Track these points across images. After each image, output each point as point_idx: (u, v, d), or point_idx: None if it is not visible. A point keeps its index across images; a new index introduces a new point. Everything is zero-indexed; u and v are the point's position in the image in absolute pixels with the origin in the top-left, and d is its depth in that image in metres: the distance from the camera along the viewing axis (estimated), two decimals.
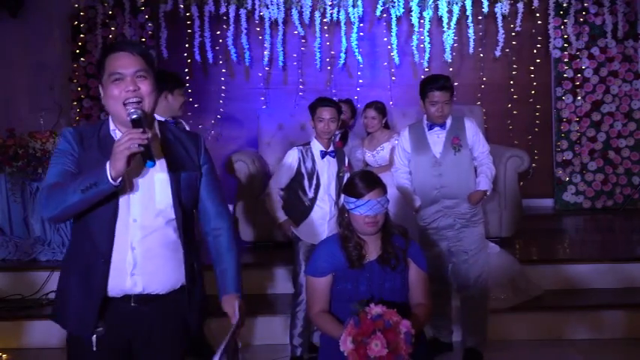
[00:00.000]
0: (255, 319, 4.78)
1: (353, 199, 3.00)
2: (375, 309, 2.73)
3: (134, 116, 2.22)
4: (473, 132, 4.18)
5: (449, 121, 4.18)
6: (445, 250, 4.26)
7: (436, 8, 7.34)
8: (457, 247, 4.20)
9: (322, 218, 4.16)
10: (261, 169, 6.08)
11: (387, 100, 6.89)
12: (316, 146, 4.19)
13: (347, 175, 4.12)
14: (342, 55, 7.46)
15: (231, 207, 5.88)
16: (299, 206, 4.19)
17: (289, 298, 4.30)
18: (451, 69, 7.35)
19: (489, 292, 4.38)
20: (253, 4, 7.33)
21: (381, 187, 3.03)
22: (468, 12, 7.31)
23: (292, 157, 4.18)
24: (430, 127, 4.19)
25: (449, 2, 7.32)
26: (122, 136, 2.17)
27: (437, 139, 4.18)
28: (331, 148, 4.19)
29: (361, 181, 3.02)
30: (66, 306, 2.39)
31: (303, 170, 4.14)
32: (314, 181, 4.15)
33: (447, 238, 4.22)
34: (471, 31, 7.33)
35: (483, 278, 4.23)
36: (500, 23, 7.34)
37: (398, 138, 5.54)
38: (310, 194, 4.16)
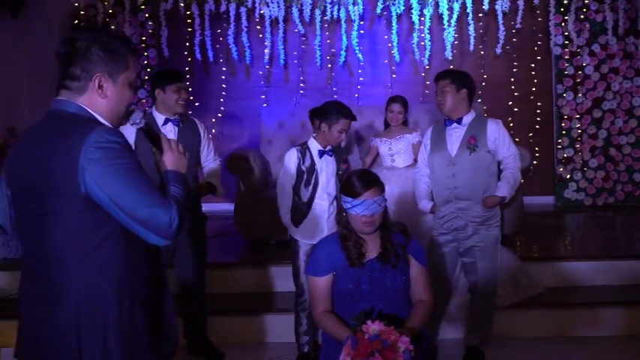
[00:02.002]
0: (259, 317, 4.79)
1: (349, 199, 3.00)
2: (373, 327, 2.71)
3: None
4: (496, 134, 4.06)
5: (469, 120, 4.11)
6: (455, 251, 4.23)
7: (437, 6, 7.34)
8: (467, 250, 4.16)
9: (320, 217, 4.16)
10: (261, 167, 6.08)
11: (387, 98, 6.88)
12: (314, 145, 4.19)
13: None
14: (343, 53, 7.46)
15: (232, 206, 5.95)
16: (298, 206, 4.19)
17: (292, 296, 4.31)
18: (452, 66, 7.33)
19: (496, 295, 4.36)
20: (254, 3, 7.33)
21: (379, 186, 3.03)
22: (469, 9, 7.30)
23: (292, 158, 4.17)
24: (448, 124, 4.15)
25: (449, 0, 7.32)
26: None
27: (454, 137, 4.12)
28: (329, 147, 4.19)
29: (358, 181, 3.01)
30: None
31: (303, 168, 4.15)
32: (312, 180, 4.14)
33: (458, 240, 4.18)
34: (471, 28, 7.32)
35: (492, 281, 4.20)
36: (500, 20, 7.33)
37: (418, 134, 5.60)
38: (308, 193, 4.16)
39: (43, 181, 2.04)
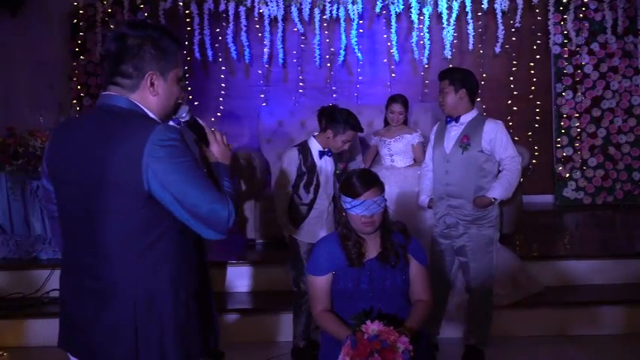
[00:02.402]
0: (258, 316, 4.79)
1: (349, 199, 2.99)
2: (372, 327, 2.71)
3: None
4: (492, 135, 4.04)
5: (468, 119, 4.12)
6: (451, 249, 4.24)
7: (436, 5, 7.33)
8: (459, 248, 4.17)
9: (319, 217, 4.17)
10: (261, 166, 6.08)
11: (386, 97, 6.86)
12: (314, 146, 4.18)
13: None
14: (342, 52, 7.45)
15: None
16: (299, 207, 4.18)
17: (291, 295, 4.31)
18: (451, 65, 7.33)
19: (493, 294, 4.36)
20: (253, 2, 7.32)
21: (378, 186, 3.02)
22: (468, 8, 7.30)
23: (293, 159, 4.16)
24: (448, 121, 4.17)
25: None
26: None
27: (452, 135, 4.14)
28: (328, 148, 4.19)
29: (358, 181, 3.00)
30: None
31: (304, 169, 4.14)
32: (314, 181, 4.14)
33: (450, 237, 4.19)
34: (470, 27, 7.31)
35: (487, 281, 4.20)
36: (499, 19, 7.33)
37: (418, 135, 5.58)
38: (311, 194, 4.15)
39: (101, 178, 2.03)
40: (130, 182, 2.00)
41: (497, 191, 4.04)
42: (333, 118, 4.15)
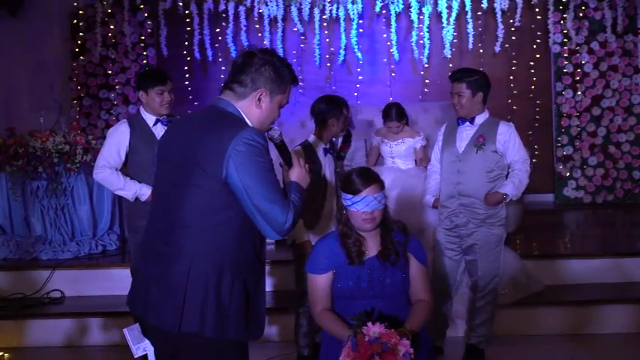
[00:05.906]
0: (268, 316, 4.78)
1: (350, 196, 2.99)
2: (373, 329, 2.70)
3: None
4: (506, 137, 4.09)
5: (481, 120, 4.13)
6: (458, 250, 4.24)
7: (435, 4, 7.34)
8: (469, 247, 4.17)
9: (330, 216, 4.11)
10: None
11: (386, 96, 6.91)
12: (317, 144, 4.15)
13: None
14: (342, 51, 7.46)
15: None
16: (312, 208, 4.00)
17: (291, 295, 4.29)
18: (451, 65, 7.34)
19: (499, 295, 4.36)
20: (252, 2, 7.33)
21: (378, 183, 3.02)
22: (467, 7, 7.31)
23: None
24: (461, 122, 4.17)
25: None
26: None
27: (464, 135, 4.14)
28: (328, 145, 4.17)
29: (358, 177, 3.00)
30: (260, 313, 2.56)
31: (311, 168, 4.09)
32: (322, 180, 4.07)
33: (460, 237, 4.19)
34: (470, 26, 7.32)
35: (494, 280, 4.20)
36: (499, 18, 7.34)
37: (421, 139, 5.57)
38: (320, 193, 4.09)
39: (190, 159, 2.40)
40: (212, 166, 2.34)
41: (509, 188, 4.06)
42: (333, 105, 4.19)
